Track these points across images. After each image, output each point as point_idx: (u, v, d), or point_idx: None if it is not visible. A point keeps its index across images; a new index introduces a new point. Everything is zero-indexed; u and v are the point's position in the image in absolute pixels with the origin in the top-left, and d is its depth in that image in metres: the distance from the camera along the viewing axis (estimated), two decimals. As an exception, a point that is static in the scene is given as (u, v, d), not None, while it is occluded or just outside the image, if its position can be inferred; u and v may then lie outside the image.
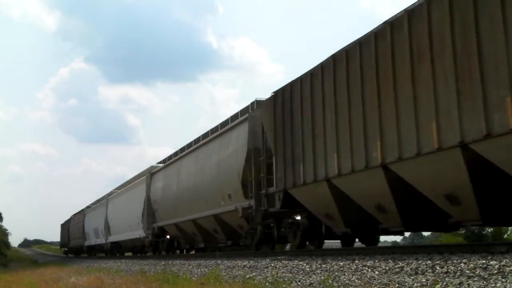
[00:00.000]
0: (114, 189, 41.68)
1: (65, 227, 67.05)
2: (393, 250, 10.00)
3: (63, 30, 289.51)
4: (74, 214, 60.21)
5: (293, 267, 10.40)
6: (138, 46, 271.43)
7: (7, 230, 63.67)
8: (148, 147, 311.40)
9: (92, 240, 47.54)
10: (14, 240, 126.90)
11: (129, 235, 33.03)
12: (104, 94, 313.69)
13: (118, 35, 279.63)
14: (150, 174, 28.64)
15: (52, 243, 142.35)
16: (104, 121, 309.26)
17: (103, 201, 43.84)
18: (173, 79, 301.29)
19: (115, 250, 40.45)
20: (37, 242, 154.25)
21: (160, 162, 28.35)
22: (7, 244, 59.59)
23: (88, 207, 52.36)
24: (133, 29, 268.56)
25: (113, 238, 38.80)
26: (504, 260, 6.63)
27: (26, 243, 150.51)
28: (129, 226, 32.62)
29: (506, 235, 35.67)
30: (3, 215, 64.55)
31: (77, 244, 55.64)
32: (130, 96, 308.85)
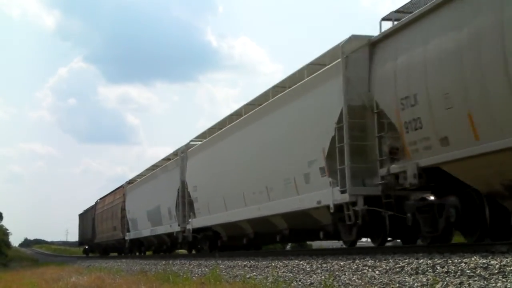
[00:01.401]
0: (193, 139, 23.06)
1: (87, 217, 49.20)
2: (394, 250, 10.05)
3: (62, 30, 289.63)
4: (102, 198, 43.28)
5: (294, 267, 10.44)
6: (137, 46, 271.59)
7: (7, 229, 63.77)
8: (148, 147, 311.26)
9: (144, 230, 29.72)
10: (15, 240, 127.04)
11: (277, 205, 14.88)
12: (104, 94, 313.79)
13: (117, 34, 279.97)
14: None
15: (52, 242, 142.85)
16: (103, 121, 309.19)
17: (170, 163, 25.42)
18: (173, 78, 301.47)
19: (202, 243, 22.00)
20: (38, 242, 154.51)
21: None
22: (7, 244, 59.71)
23: (130, 182, 34.30)
24: (132, 29, 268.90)
25: (203, 221, 20.63)
26: (505, 260, 6.68)
27: (26, 243, 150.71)
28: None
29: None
30: (3, 215, 64.66)
31: (110, 238, 38.71)
32: (129, 95, 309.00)
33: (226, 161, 18.50)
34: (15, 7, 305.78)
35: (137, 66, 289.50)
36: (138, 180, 32.48)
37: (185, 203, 22.34)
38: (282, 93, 15.12)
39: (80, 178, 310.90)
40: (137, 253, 34.06)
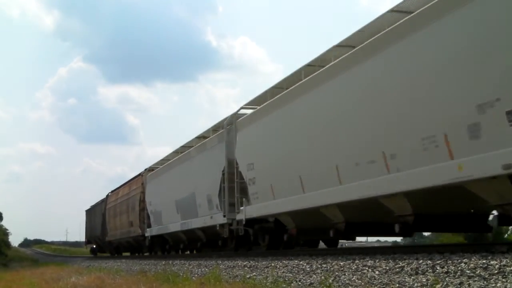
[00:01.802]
0: (244, 105, 17.33)
1: (96, 212, 43.71)
2: (394, 250, 10.08)
3: (62, 30, 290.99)
4: (115, 190, 37.44)
5: (294, 267, 10.44)
6: (137, 46, 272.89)
7: (7, 229, 63.87)
8: (148, 147, 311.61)
9: (172, 224, 23.63)
10: (14, 240, 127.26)
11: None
12: (104, 94, 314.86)
13: (117, 34, 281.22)
14: None
15: (52, 242, 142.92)
16: (103, 121, 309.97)
17: (209, 140, 19.82)
18: (173, 78, 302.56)
19: (259, 238, 16.59)
20: (38, 242, 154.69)
21: None
22: (7, 244, 59.77)
23: (150, 169, 28.60)
24: (132, 29, 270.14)
25: (264, 208, 14.98)
26: (505, 260, 6.68)
27: (26, 243, 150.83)
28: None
29: (506, 235, 35.77)
30: (3, 215, 64.82)
31: (126, 235, 33.01)
32: (129, 95, 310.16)
33: (306, 124, 12.91)
34: (15, 7, 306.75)
35: (137, 66, 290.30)
36: (161, 166, 26.54)
37: (235, 187, 16.90)
38: (407, 17, 9.50)
39: (80, 178, 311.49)
40: (160, 253, 28.22)
